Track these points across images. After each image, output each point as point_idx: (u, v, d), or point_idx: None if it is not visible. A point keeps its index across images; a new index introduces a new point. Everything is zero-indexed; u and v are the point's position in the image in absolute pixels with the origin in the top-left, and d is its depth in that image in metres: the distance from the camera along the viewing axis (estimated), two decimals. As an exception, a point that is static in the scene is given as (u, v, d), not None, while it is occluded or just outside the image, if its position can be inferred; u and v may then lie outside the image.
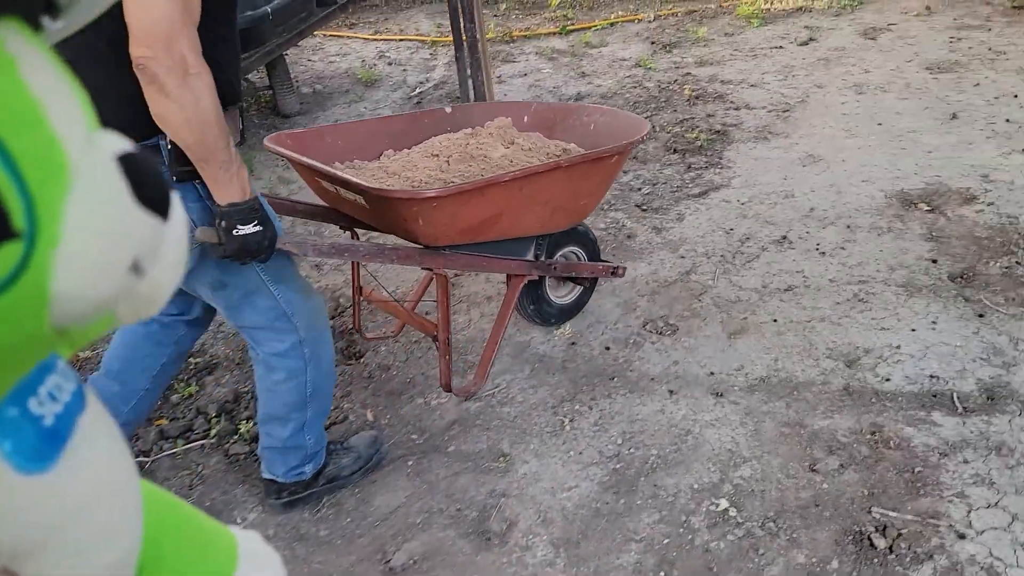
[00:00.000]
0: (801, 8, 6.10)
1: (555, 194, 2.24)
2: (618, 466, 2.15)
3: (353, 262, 2.45)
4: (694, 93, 4.66)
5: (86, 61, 1.52)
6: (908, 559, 1.79)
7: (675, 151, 3.95)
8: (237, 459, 2.33)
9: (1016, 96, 4.08)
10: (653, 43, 5.73)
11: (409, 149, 2.59)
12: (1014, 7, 5.49)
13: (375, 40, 6.70)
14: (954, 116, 3.96)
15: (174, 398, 2.60)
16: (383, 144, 2.58)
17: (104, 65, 1.51)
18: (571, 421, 2.32)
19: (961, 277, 2.75)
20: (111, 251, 0.46)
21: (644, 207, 3.47)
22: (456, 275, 3.08)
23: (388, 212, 2.03)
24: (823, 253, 2.98)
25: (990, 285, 2.69)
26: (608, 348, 2.62)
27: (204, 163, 1.56)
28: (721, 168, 3.75)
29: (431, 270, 2.19)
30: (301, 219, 3.10)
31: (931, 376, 2.32)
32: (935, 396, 2.25)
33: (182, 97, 1.45)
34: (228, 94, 1.63)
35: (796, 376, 2.39)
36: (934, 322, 2.54)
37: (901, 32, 5.31)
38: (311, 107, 5.27)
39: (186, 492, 2.24)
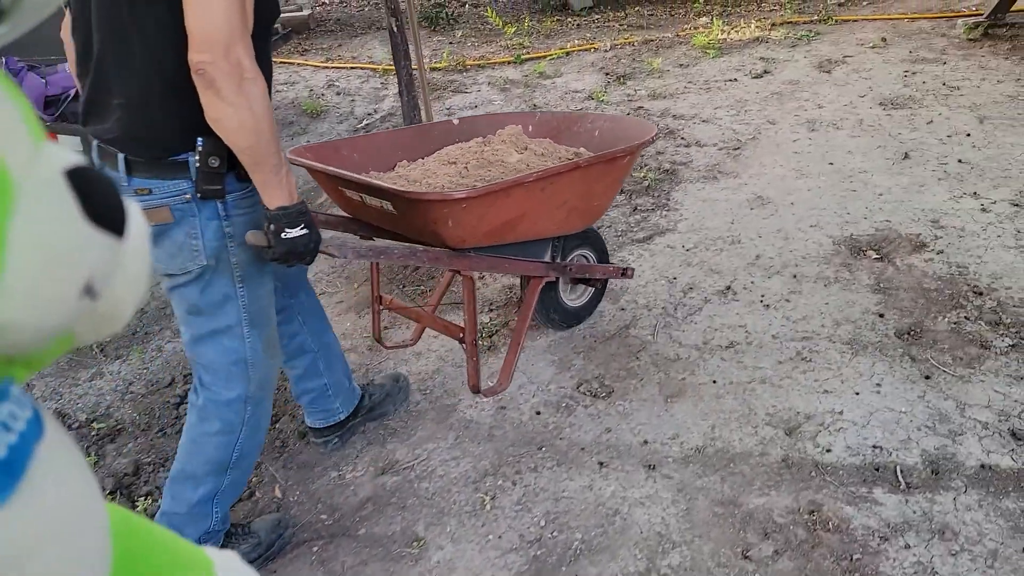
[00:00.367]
0: (758, 39, 6.05)
1: (572, 195, 2.30)
2: (539, 552, 1.99)
3: (373, 270, 2.55)
4: (645, 128, 4.55)
5: (125, 75, 1.56)
6: (842, 666, 1.65)
7: (622, 191, 3.82)
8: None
9: (969, 135, 4.01)
10: (607, 74, 5.63)
11: (423, 159, 2.65)
12: (969, 40, 5.46)
13: (326, 68, 6.55)
14: (906, 156, 3.88)
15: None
16: (396, 156, 2.64)
17: (141, 80, 1.55)
18: (493, 499, 2.16)
19: (908, 333, 2.63)
20: (60, 277, 0.42)
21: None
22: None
23: (416, 215, 2.04)
24: (767, 306, 2.86)
25: (938, 343, 2.57)
26: (539, 413, 2.47)
27: (256, 167, 1.58)
28: (668, 210, 3.63)
29: (458, 272, 2.22)
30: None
31: (874, 447, 2.20)
32: (877, 470, 2.12)
33: (238, 102, 1.49)
34: None
35: (733, 446, 2.25)
36: (879, 384, 2.42)
37: (856, 65, 5.25)
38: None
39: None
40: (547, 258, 2.46)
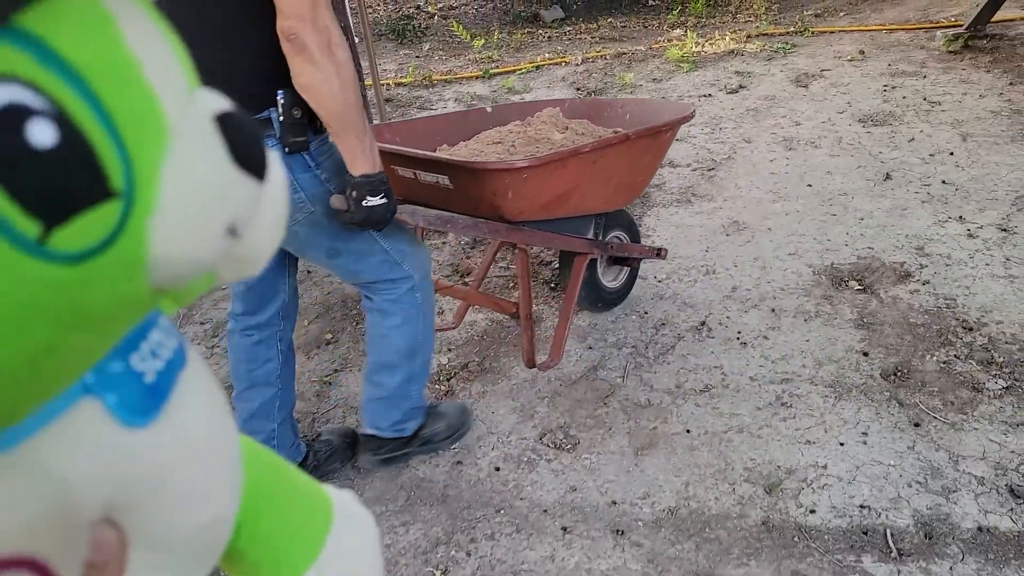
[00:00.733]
0: (733, 51, 5.89)
1: (619, 169, 2.35)
2: (493, 638, 1.78)
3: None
4: (618, 147, 4.37)
5: (206, 37, 1.57)
6: None
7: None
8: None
9: (952, 153, 3.86)
10: (579, 89, 5.45)
11: (466, 142, 2.69)
12: (949, 52, 5.34)
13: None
14: (888, 176, 3.72)
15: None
16: (436, 140, 2.69)
17: (223, 41, 1.57)
18: (444, 573, 1.95)
19: (895, 374, 2.46)
20: (208, 215, 0.44)
21: (554, 284, 3.13)
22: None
23: (476, 187, 2.07)
24: (744, 344, 2.67)
25: (926, 384, 2.40)
26: (498, 469, 2.27)
27: (344, 133, 1.61)
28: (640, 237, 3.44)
29: (515, 245, 2.25)
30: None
31: (861, 506, 2.01)
32: (866, 534, 1.93)
33: (328, 67, 1.51)
34: None
35: (709, 506, 2.06)
36: (865, 433, 2.23)
37: (834, 79, 5.11)
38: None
39: None
40: (591, 235, 2.51)
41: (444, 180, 2.12)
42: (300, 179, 1.73)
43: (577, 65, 6.02)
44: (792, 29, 6.35)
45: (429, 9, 8.51)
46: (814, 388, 2.43)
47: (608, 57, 6.10)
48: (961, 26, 5.55)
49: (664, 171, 4.03)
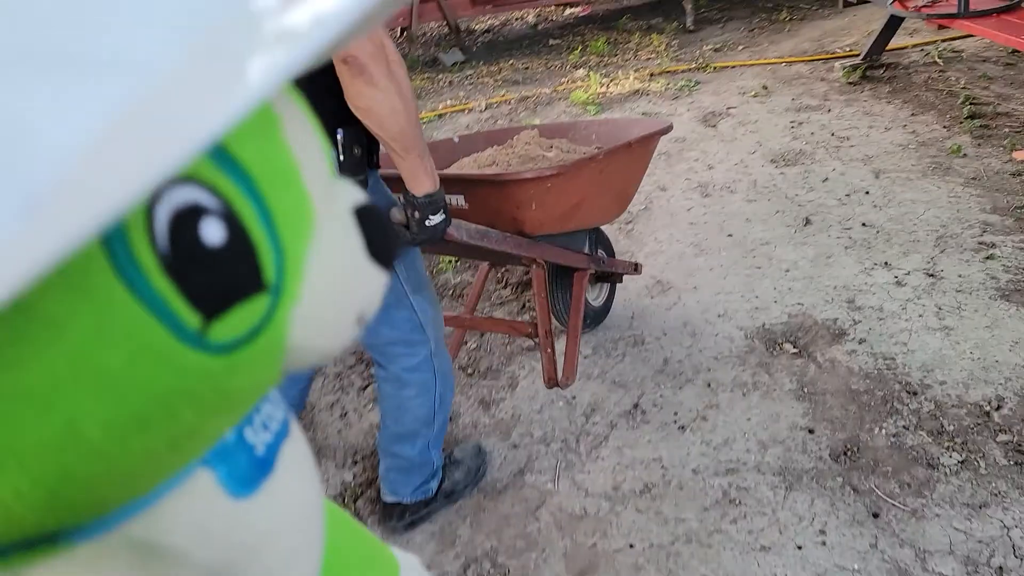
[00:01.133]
0: (638, 91, 5.79)
1: (618, 179, 2.39)
2: None
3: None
4: (529, 202, 4.15)
5: None
6: None
7: (507, 284, 3.38)
8: None
9: (868, 192, 3.78)
10: (485, 139, 5.22)
11: (450, 168, 2.60)
12: (849, 83, 5.35)
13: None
14: (807, 221, 3.60)
15: None
16: None
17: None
18: None
19: (845, 454, 2.27)
20: (345, 305, 0.46)
21: (470, 370, 2.85)
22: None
23: (498, 202, 2.06)
24: (682, 427, 2.45)
25: (879, 464, 2.21)
26: (419, 612, 1.95)
27: (406, 153, 1.54)
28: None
29: (533, 260, 2.22)
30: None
31: (830, 626, 1.79)
32: (840, 662, 1.71)
33: (389, 86, 1.45)
34: None
35: (663, 642, 1.80)
36: (822, 531, 2.02)
37: (741, 116, 5.03)
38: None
39: None
40: (587, 250, 2.54)
41: (459, 200, 2.10)
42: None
43: (481, 111, 5.81)
44: (694, 65, 6.31)
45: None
46: (762, 478, 2.22)
47: (512, 101, 5.92)
48: (857, 56, 5.59)
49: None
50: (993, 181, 3.72)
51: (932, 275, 3.05)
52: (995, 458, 2.18)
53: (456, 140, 2.86)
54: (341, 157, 1.60)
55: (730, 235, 3.57)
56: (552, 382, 2.34)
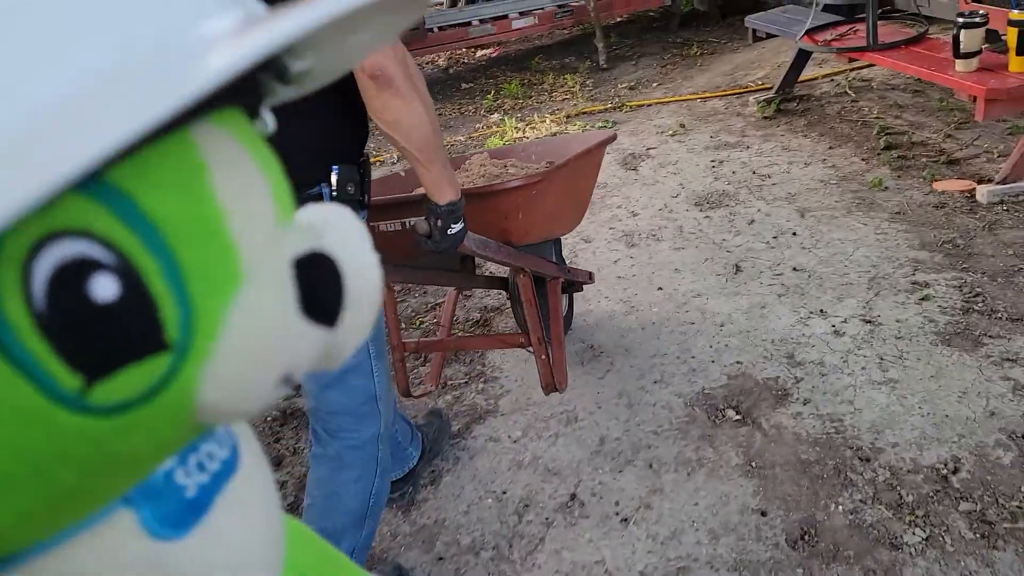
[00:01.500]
0: (555, 135, 5.64)
1: (578, 189, 2.45)
2: None
3: (388, 311, 2.40)
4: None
5: None
6: None
7: (425, 360, 3.12)
8: None
9: (795, 234, 3.67)
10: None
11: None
12: (764, 117, 5.31)
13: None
14: (738, 268, 3.46)
15: None
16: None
17: (284, 115, 1.24)
18: None
19: (802, 538, 2.07)
20: (265, 364, 0.41)
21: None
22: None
23: (485, 214, 2.03)
24: (625, 520, 2.22)
25: (840, 548, 2.02)
26: None
27: (430, 163, 1.56)
28: (485, 381, 2.96)
29: (522, 269, 2.23)
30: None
31: None
32: None
33: (414, 97, 1.46)
34: None
35: None
36: (788, 637, 1.81)
37: (661, 158, 4.92)
38: None
39: None
40: (554, 259, 2.58)
41: None
42: None
43: (394, 163, 5.57)
44: (610, 105, 6.22)
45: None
46: (716, 575, 2.00)
47: (427, 152, 5.72)
48: (770, 89, 5.58)
49: (502, 293, 3.60)
50: (917, 215, 3.66)
51: (870, 321, 2.93)
52: (960, 531, 2.02)
53: (403, 174, 2.80)
54: (334, 192, 1.57)
55: (660, 288, 3.40)
56: (550, 388, 2.37)
